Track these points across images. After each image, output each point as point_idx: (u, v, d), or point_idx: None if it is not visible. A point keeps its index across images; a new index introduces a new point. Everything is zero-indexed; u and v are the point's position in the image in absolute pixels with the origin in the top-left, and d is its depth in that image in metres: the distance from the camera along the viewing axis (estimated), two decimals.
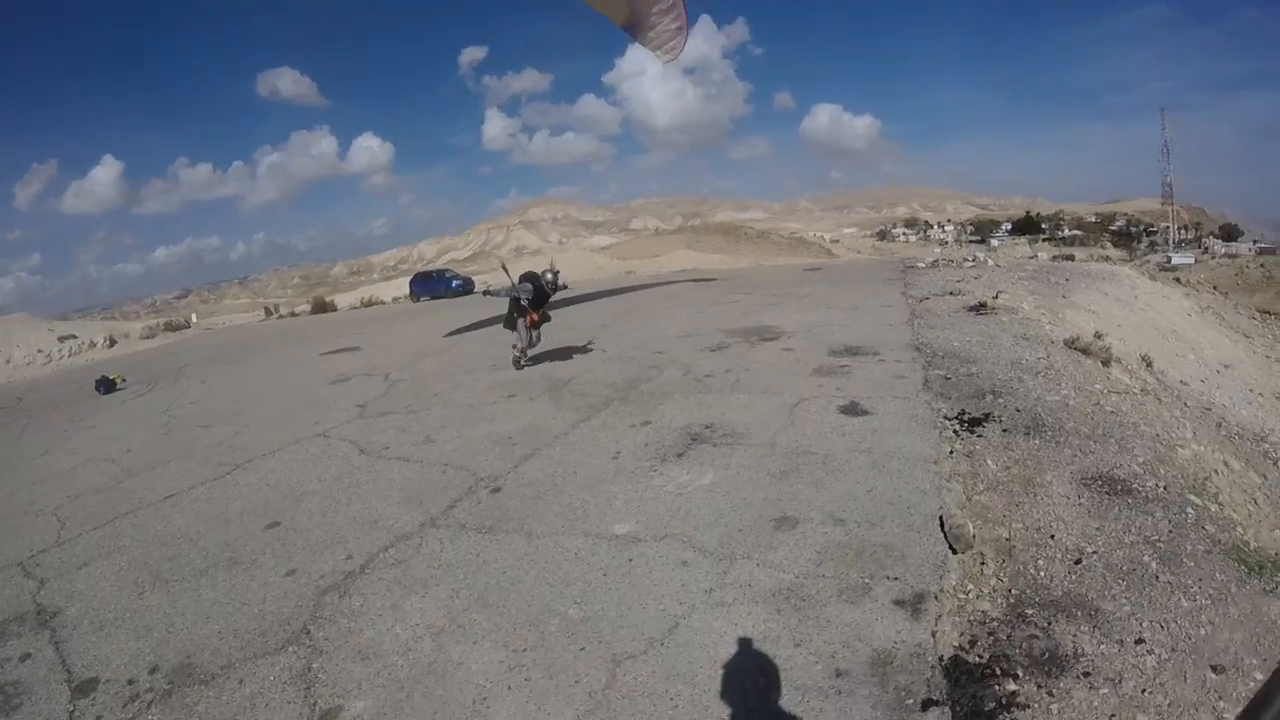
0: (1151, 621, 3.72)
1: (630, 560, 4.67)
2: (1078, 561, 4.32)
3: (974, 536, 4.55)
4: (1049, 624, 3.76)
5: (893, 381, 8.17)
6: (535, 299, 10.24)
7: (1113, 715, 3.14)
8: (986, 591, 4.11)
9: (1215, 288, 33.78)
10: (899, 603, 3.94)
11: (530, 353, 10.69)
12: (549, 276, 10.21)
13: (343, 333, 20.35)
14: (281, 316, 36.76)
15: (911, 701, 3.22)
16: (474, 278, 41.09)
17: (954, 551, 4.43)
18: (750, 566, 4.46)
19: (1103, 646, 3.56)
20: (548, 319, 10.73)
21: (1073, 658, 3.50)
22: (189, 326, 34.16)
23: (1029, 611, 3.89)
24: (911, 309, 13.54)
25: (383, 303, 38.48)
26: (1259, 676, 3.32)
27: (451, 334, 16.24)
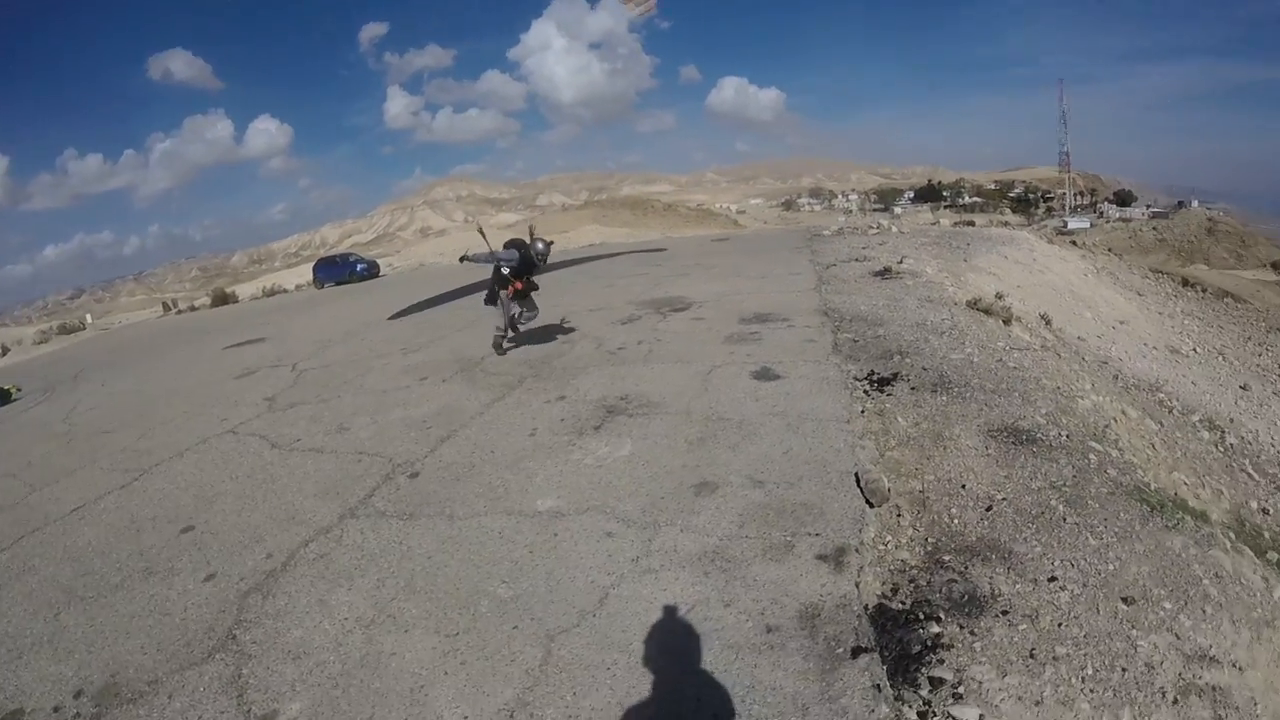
0: (1062, 560, 3.95)
1: (555, 535, 4.67)
2: (989, 508, 4.52)
3: (889, 490, 4.71)
4: (966, 568, 3.94)
5: (803, 346, 8.37)
6: (519, 269, 9.33)
7: (1033, 649, 3.32)
8: (904, 541, 4.27)
9: (1110, 250, 35.68)
10: (822, 557, 4.05)
11: (525, 327, 9.98)
12: (539, 246, 9.26)
13: (246, 324, 19.59)
14: (180, 311, 35.28)
15: (842, 650, 3.32)
16: (379, 261, 40.35)
17: (871, 505, 4.58)
18: (674, 533, 4.51)
19: (1018, 586, 3.76)
20: (534, 287, 9.72)
21: (991, 598, 3.68)
22: (84, 328, 32.50)
23: (946, 558, 4.06)
24: (819, 276, 13.91)
25: (286, 291, 37.20)
26: (1168, 606, 3.57)
27: (394, 317, 15.79)
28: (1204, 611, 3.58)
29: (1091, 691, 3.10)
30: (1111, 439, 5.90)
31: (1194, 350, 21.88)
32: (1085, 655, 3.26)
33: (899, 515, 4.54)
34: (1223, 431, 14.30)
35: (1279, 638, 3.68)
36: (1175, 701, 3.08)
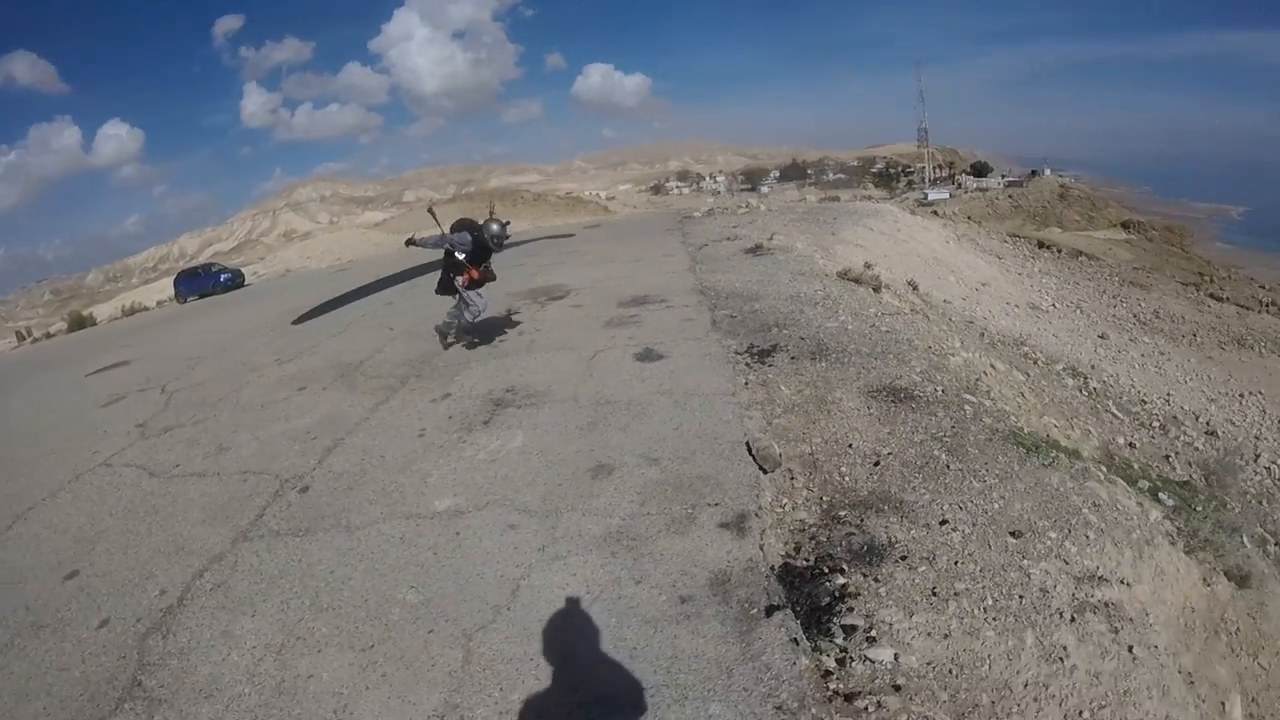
0: (951, 504, 4.26)
1: (457, 534, 4.63)
2: (876, 464, 4.79)
3: (780, 455, 4.93)
4: (862, 521, 4.18)
5: (682, 325, 8.58)
6: (474, 254, 8.33)
7: (934, 588, 3.57)
8: (801, 502, 4.49)
9: (970, 218, 37.87)
10: (724, 525, 4.20)
11: (479, 318, 8.81)
12: (494, 228, 8.20)
13: (107, 348, 18.18)
14: (36, 339, 32.62)
15: (756, 611, 3.47)
16: (243, 269, 38.50)
17: (764, 472, 4.77)
18: (577, 518, 4.57)
19: (913, 532, 4.03)
20: (492, 277, 8.72)
21: (888, 546, 3.93)
22: None
23: (842, 513, 4.29)
24: (692, 256, 14.26)
25: (147, 309, 34.80)
26: (1053, 535, 3.93)
27: (299, 320, 14.89)
28: (1087, 537, 3.96)
29: (994, 619, 3.37)
30: (984, 390, 6.33)
31: (1053, 306, 23.51)
32: (984, 588, 3.55)
33: (792, 478, 4.76)
34: (1085, 377, 15.52)
35: (1159, 554, 4.14)
36: (1073, 620, 3.39)
